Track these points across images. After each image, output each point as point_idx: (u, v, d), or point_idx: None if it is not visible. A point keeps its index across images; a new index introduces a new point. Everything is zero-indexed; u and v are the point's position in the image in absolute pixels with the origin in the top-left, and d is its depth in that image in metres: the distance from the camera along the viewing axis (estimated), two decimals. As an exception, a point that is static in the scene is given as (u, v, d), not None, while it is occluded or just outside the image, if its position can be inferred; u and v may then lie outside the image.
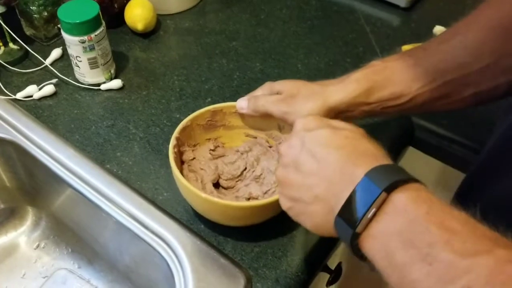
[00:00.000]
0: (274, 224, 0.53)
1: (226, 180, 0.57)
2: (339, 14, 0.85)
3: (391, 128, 0.67)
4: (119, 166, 0.61)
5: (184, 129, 0.55)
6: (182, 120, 0.59)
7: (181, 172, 0.54)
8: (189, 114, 0.66)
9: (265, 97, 0.53)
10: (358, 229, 0.35)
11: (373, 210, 0.34)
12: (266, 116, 0.53)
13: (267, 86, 0.54)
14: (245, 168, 0.57)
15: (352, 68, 0.74)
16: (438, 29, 0.78)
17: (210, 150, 0.58)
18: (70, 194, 0.62)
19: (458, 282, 0.29)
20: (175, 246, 0.53)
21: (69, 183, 0.60)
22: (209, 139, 0.59)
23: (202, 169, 0.56)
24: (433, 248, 0.31)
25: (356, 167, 0.37)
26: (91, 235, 0.67)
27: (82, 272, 0.71)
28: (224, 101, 0.69)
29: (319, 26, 0.82)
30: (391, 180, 0.34)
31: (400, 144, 0.68)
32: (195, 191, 0.49)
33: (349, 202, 0.35)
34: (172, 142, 0.53)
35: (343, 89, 0.49)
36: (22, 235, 0.74)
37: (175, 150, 0.53)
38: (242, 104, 0.55)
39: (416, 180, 0.35)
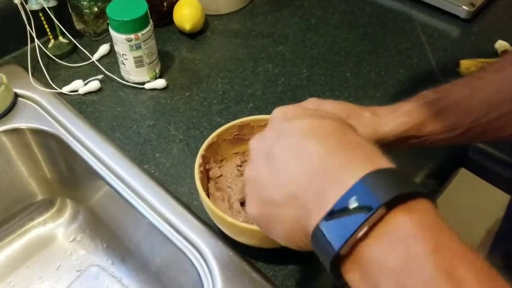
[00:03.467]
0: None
1: None
2: (394, 22, 0.81)
3: (443, 147, 0.62)
4: (156, 167, 0.60)
5: (210, 145, 0.52)
6: (222, 124, 0.57)
7: (208, 190, 0.52)
8: (230, 118, 0.65)
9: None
10: (343, 250, 0.27)
11: (365, 228, 0.26)
12: None
13: (314, 105, 0.50)
14: None
15: (404, 79, 0.71)
16: (500, 43, 0.73)
17: (237, 166, 0.56)
18: (106, 191, 0.62)
19: None
20: (206, 254, 0.52)
21: (106, 180, 0.60)
22: (237, 153, 0.56)
23: (229, 187, 0.54)
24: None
25: (346, 163, 0.29)
26: (125, 233, 0.67)
27: (114, 269, 0.71)
28: (267, 107, 0.67)
29: (372, 33, 0.79)
30: (394, 192, 0.27)
31: (452, 165, 0.64)
32: (221, 215, 0.46)
33: (334, 212, 0.28)
34: (198, 160, 0.50)
35: (395, 120, 0.46)
36: (60, 227, 0.75)
37: (201, 169, 0.50)
38: None
39: (424, 195, 0.28)
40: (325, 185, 0.29)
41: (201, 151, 0.51)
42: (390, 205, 0.27)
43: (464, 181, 0.66)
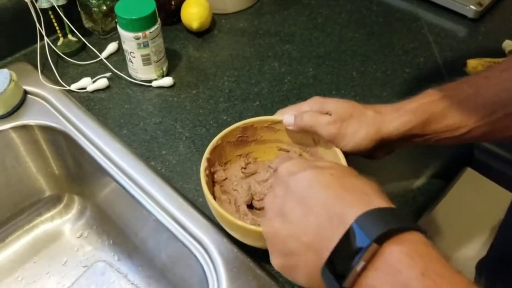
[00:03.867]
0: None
1: (259, 200, 0.54)
2: (401, 22, 0.81)
3: (449, 146, 0.62)
4: (163, 164, 0.61)
5: (214, 148, 0.52)
6: (228, 121, 0.58)
7: (213, 194, 0.52)
8: (236, 116, 0.66)
9: (315, 116, 0.49)
10: (346, 284, 0.31)
11: (362, 263, 0.30)
12: (304, 131, 0.51)
13: (317, 103, 0.51)
14: None
15: (410, 79, 0.71)
16: (508, 43, 0.73)
17: (242, 168, 0.56)
18: (113, 188, 0.63)
19: None
20: (211, 250, 0.52)
21: (113, 177, 0.60)
22: (240, 155, 0.56)
23: (234, 190, 0.54)
24: None
25: (345, 208, 0.33)
26: (132, 229, 0.68)
27: (121, 264, 0.71)
28: (273, 105, 0.67)
29: (379, 32, 0.79)
30: (383, 229, 0.30)
31: (457, 164, 0.64)
32: (230, 219, 0.46)
33: (336, 252, 0.32)
34: (203, 164, 0.50)
35: (398, 119, 0.46)
36: (67, 223, 0.76)
37: (207, 172, 0.50)
38: (289, 120, 0.51)
39: (414, 228, 0.31)
40: (331, 232, 0.33)
41: (206, 155, 0.51)
42: (382, 240, 0.30)
43: (470, 181, 0.65)
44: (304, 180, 0.37)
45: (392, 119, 0.46)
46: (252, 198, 0.54)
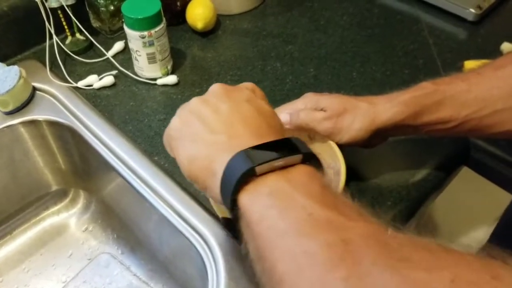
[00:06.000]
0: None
1: None
2: (402, 24, 0.83)
3: (446, 144, 0.64)
4: (166, 159, 0.62)
5: None
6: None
7: None
8: (238, 114, 0.67)
9: (310, 114, 0.51)
10: (260, 169, 0.32)
11: (281, 162, 0.32)
12: (300, 128, 0.52)
13: (311, 100, 0.52)
14: None
15: (409, 80, 0.73)
16: (506, 45, 0.74)
17: None
18: (118, 182, 0.65)
19: (335, 233, 0.28)
20: (211, 242, 0.54)
21: (118, 171, 0.62)
22: None
23: None
24: (316, 205, 0.30)
25: (268, 126, 0.37)
26: (135, 223, 0.70)
27: (124, 258, 0.73)
28: (274, 104, 0.68)
29: (380, 34, 0.81)
30: (308, 150, 0.34)
31: (453, 163, 0.65)
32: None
33: (266, 145, 0.34)
34: None
35: (391, 109, 0.48)
36: (73, 216, 0.78)
37: None
38: (285, 119, 0.53)
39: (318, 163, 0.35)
40: (261, 131, 0.36)
41: None
42: (307, 158, 0.33)
43: (466, 180, 0.67)
44: (242, 97, 0.41)
45: (385, 109, 0.48)
46: None
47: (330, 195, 0.31)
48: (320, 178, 0.33)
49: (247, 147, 0.33)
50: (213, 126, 0.38)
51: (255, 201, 0.32)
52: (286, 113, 0.53)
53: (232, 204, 0.33)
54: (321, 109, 0.51)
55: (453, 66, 0.73)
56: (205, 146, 0.37)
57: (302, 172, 0.33)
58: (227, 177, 0.33)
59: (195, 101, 0.41)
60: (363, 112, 0.48)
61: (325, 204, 0.29)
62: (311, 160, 0.34)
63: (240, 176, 0.32)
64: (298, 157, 0.33)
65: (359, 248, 0.26)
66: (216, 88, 0.42)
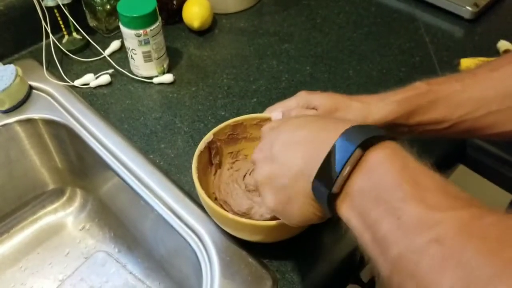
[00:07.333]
0: (308, 230, 0.52)
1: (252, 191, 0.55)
2: (398, 22, 0.82)
3: (442, 143, 0.64)
4: (161, 157, 0.63)
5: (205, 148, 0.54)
6: (226, 117, 0.59)
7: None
8: (234, 112, 0.67)
9: (302, 112, 0.51)
10: (334, 189, 0.33)
11: (348, 168, 0.33)
12: None
13: (303, 99, 0.52)
14: None
15: (405, 78, 0.73)
16: (503, 43, 0.74)
17: (230, 163, 0.57)
18: (114, 181, 0.65)
19: (426, 234, 0.27)
20: (205, 240, 0.54)
21: (114, 169, 0.62)
22: (231, 152, 0.57)
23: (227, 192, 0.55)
24: (404, 203, 0.29)
25: (329, 133, 0.35)
26: (132, 222, 0.70)
27: (120, 256, 0.73)
28: (269, 102, 0.69)
29: (376, 33, 0.81)
30: (366, 136, 0.33)
31: (450, 161, 0.65)
32: (223, 213, 0.47)
33: (325, 163, 0.34)
34: (195, 163, 0.51)
35: (384, 108, 0.48)
36: (70, 215, 0.78)
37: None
38: (277, 117, 0.52)
39: (393, 138, 0.34)
40: (319, 152, 0.35)
41: (197, 152, 0.52)
42: (364, 147, 0.33)
43: (462, 178, 0.67)
44: (288, 127, 0.40)
45: (378, 108, 0.48)
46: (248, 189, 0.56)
47: (414, 183, 0.30)
48: (399, 159, 0.32)
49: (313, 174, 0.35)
50: (287, 167, 0.39)
51: (348, 215, 0.33)
52: (279, 112, 0.53)
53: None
54: (313, 108, 0.50)
55: (449, 64, 0.73)
56: (292, 189, 0.38)
57: (380, 165, 0.32)
58: (320, 203, 0.36)
59: (259, 155, 0.42)
60: (355, 111, 0.48)
61: (413, 198, 0.29)
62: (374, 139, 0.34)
63: (325, 205, 0.34)
64: (359, 154, 0.33)
65: (456, 247, 0.26)
66: (266, 132, 0.45)
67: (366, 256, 0.32)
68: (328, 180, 0.33)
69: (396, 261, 0.29)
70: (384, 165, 0.32)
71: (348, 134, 0.34)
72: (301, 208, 0.38)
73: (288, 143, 0.39)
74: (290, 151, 0.38)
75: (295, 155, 0.38)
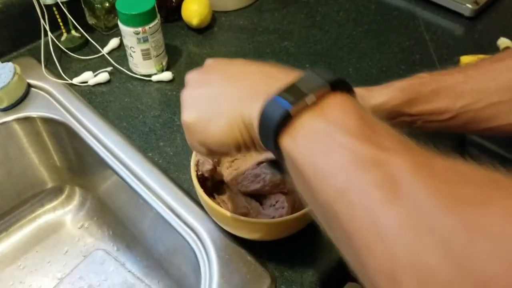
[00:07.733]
0: (307, 229, 0.52)
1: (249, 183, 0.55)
2: (398, 20, 0.82)
3: (441, 140, 0.63)
4: (160, 155, 0.62)
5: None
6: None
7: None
8: (233, 110, 0.67)
9: None
10: (293, 110, 0.30)
11: (313, 98, 0.30)
12: None
13: None
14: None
15: (405, 75, 0.72)
16: (503, 41, 0.73)
17: (229, 162, 0.56)
18: (113, 179, 0.65)
19: (378, 170, 0.26)
20: (204, 238, 0.54)
21: (112, 168, 0.62)
22: None
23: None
24: (357, 141, 0.28)
25: (289, 71, 0.34)
26: (131, 220, 0.70)
27: (119, 254, 0.73)
28: (269, 100, 0.69)
29: (376, 30, 0.80)
30: (333, 76, 0.31)
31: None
32: (221, 211, 0.47)
33: (292, 85, 0.31)
34: (193, 160, 0.51)
35: (386, 94, 0.48)
36: (69, 214, 0.78)
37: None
38: None
39: (352, 91, 0.33)
40: (276, 77, 0.33)
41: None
42: (333, 86, 0.31)
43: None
44: (242, 61, 0.39)
45: (381, 94, 0.47)
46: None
47: (368, 127, 0.29)
48: (354, 107, 0.31)
49: (273, 92, 0.32)
50: (227, 84, 0.36)
51: (296, 145, 0.30)
52: None
53: (275, 146, 0.32)
54: None
55: (449, 61, 0.73)
56: (228, 104, 0.35)
57: (335, 105, 0.31)
58: (263, 126, 0.32)
59: (193, 75, 0.39)
60: (357, 96, 0.48)
61: (365, 138, 0.28)
62: (341, 85, 0.32)
63: (276, 123, 0.31)
64: (327, 88, 0.31)
65: (408, 183, 0.25)
66: (208, 62, 0.41)
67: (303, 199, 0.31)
68: (295, 96, 0.30)
69: (341, 191, 0.27)
70: (344, 108, 0.30)
71: (315, 70, 0.32)
72: (226, 126, 0.35)
73: (242, 68, 0.37)
74: (241, 74, 0.36)
75: (241, 81, 0.36)
